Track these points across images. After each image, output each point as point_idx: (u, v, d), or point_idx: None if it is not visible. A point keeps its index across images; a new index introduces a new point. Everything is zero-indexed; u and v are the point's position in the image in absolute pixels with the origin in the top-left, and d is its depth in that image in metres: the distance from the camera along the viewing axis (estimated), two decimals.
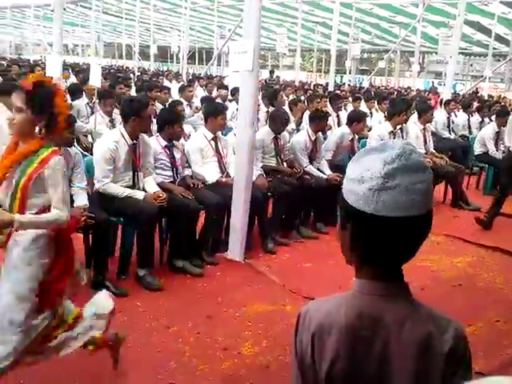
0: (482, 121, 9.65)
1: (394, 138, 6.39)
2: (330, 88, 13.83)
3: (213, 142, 4.91)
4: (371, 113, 9.74)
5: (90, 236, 3.85)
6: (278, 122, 5.40)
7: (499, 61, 24.87)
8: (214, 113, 4.92)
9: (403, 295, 1.09)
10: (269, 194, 5.04)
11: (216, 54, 17.64)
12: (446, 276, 4.43)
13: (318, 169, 5.72)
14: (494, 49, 22.32)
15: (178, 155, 4.65)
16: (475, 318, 3.63)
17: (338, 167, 5.60)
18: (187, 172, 4.78)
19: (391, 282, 1.08)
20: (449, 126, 9.44)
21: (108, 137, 4.29)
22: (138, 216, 3.94)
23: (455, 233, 5.58)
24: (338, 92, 12.29)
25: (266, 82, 19.58)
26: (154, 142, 4.52)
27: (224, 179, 4.83)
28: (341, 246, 1.12)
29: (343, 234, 1.11)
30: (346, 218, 1.09)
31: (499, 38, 22.56)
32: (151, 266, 4.06)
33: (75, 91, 7.34)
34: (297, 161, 5.62)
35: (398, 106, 6.80)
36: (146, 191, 4.15)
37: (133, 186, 4.14)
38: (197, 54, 30.18)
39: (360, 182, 1.04)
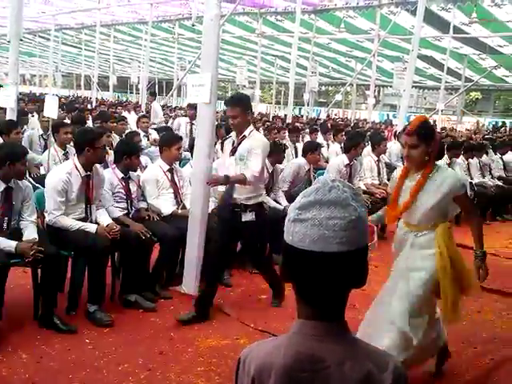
0: None
1: (351, 170, 6.52)
2: (289, 120, 14.03)
3: (169, 174, 4.91)
4: (328, 144, 9.93)
5: (39, 270, 3.75)
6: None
7: (451, 94, 25.82)
8: (168, 143, 4.93)
9: (341, 335, 1.09)
10: None
11: (176, 85, 17.74)
12: None
13: (275, 200, 5.77)
14: (447, 82, 23.17)
15: (133, 187, 4.62)
16: None
17: (295, 198, 5.65)
18: (142, 204, 4.74)
19: (328, 322, 1.08)
20: (402, 158, 9.71)
21: (60, 168, 4.24)
22: (90, 249, 3.87)
23: None
24: (296, 124, 12.49)
25: (225, 113, 19.78)
26: (111, 174, 4.48)
27: (180, 211, 4.81)
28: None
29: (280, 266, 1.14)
30: (281, 249, 1.12)
31: (451, 72, 23.47)
32: (102, 301, 3.97)
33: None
34: None
35: (355, 139, 6.96)
36: (98, 224, 4.09)
37: (85, 219, 4.08)
38: (157, 85, 30.26)
39: (288, 213, 1.09)
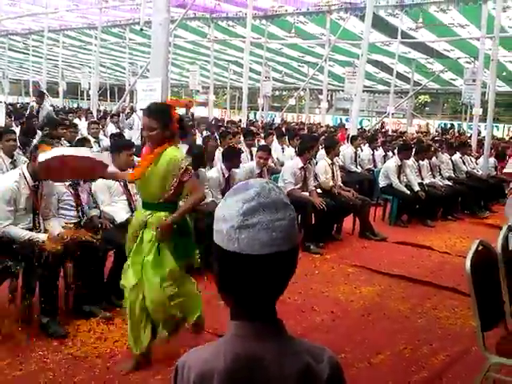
0: (386, 155, 10.18)
1: (305, 173, 6.57)
2: (243, 124, 14.04)
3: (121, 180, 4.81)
4: (283, 148, 10.00)
5: None
6: (195, 159, 5.39)
7: (401, 97, 26.47)
8: (117, 149, 4.83)
9: (277, 333, 1.10)
10: None
11: (128, 91, 17.47)
12: (356, 306, 4.53)
13: None
14: (396, 86, 23.73)
15: (83, 194, 4.50)
16: (383, 347, 3.74)
17: None
18: (94, 212, 4.62)
19: (264, 322, 1.09)
20: (356, 161, 9.88)
21: (8, 176, 4.09)
22: (40, 260, 3.73)
23: (364, 263, 5.75)
24: (251, 128, 12.52)
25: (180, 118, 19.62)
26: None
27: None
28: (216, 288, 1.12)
29: (214, 274, 1.11)
30: (214, 257, 1.10)
31: (400, 76, 24.06)
32: (56, 312, 3.84)
33: None
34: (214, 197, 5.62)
35: (308, 143, 7.01)
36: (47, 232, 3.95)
37: (33, 229, 3.94)
38: (108, 91, 29.77)
39: (224, 221, 1.06)
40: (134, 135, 9.56)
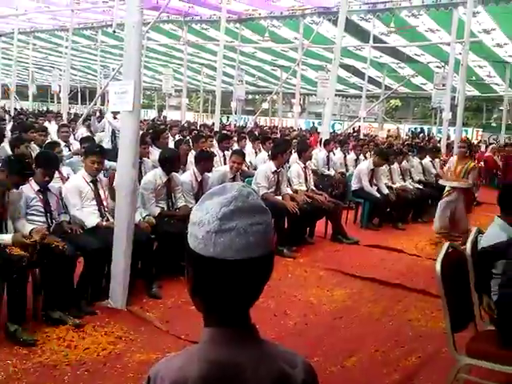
0: (357, 158, 10.27)
1: (278, 176, 6.58)
2: (216, 128, 14.01)
3: (92, 185, 4.75)
4: (256, 152, 10.00)
5: None
6: (168, 163, 5.37)
7: (373, 102, 26.76)
8: (84, 154, 4.78)
9: (252, 338, 1.09)
10: (153, 236, 4.93)
11: (99, 94, 17.26)
12: (328, 310, 4.56)
13: None
14: (368, 91, 23.96)
15: (52, 199, 4.42)
16: (356, 350, 3.76)
17: None
18: (64, 217, 4.54)
19: (239, 328, 1.08)
20: (328, 164, 9.94)
21: None
22: (6, 265, 3.65)
23: (336, 266, 5.79)
24: (224, 131, 12.50)
25: (153, 121, 19.52)
26: (26, 187, 4.26)
27: (105, 223, 4.66)
28: (189, 294, 1.10)
29: (188, 280, 1.09)
30: (188, 262, 1.08)
31: (372, 81, 24.33)
32: (24, 319, 3.76)
33: None
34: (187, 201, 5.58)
35: (281, 147, 7.02)
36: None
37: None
38: (79, 94, 29.39)
39: (200, 226, 1.04)
40: (104, 139, 9.42)
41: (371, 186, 8.10)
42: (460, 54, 13.28)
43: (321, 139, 11.76)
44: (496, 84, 25.09)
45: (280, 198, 6.51)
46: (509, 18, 15.47)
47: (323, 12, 17.64)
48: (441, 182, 7.63)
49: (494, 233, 3.57)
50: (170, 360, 1.12)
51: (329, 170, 9.89)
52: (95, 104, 17.05)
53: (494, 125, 31.06)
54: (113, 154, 6.17)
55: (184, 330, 3.86)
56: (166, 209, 5.41)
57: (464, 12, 13.55)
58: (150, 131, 9.29)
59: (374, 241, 7.05)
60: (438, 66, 21.36)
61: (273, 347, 1.11)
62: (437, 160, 10.40)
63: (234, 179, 6.13)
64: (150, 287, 4.72)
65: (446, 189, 7.27)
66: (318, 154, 10.12)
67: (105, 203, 4.77)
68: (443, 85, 16.60)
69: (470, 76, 22.03)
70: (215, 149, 8.49)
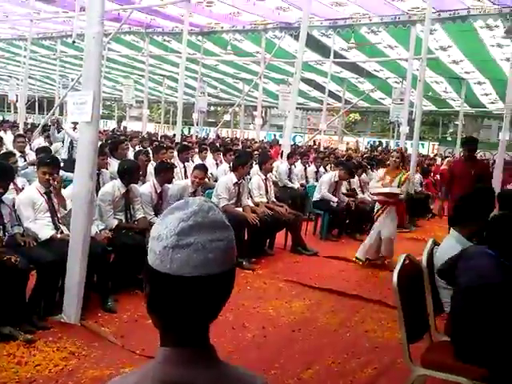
0: (317, 170, 10.37)
1: (239, 188, 6.57)
2: (177, 139, 13.92)
3: (46, 196, 4.63)
4: (217, 163, 9.98)
5: None
6: (127, 174, 5.29)
7: (333, 115, 27.17)
8: (37, 165, 4.68)
9: (210, 360, 1.05)
10: (110, 249, 4.84)
11: (58, 104, 16.97)
12: (286, 321, 4.55)
13: None
14: (328, 104, 24.30)
15: (5, 211, 4.29)
16: (313, 362, 3.76)
17: None
18: (17, 229, 4.41)
19: (196, 348, 1.04)
20: (290, 176, 10.00)
21: None
22: None
23: (295, 277, 5.81)
24: (185, 143, 12.42)
25: (113, 131, 19.29)
26: None
27: (59, 235, 4.55)
28: (146, 310, 1.07)
29: (145, 296, 1.06)
30: (145, 278, 1.05)
31: (332, 95, 24.70)
32: None
33: None
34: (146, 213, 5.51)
35: (242, 158, 7.02)
36: None
37: None
38: (37, 103, 28.80)
39: (158, 240, 1.01)
40: (62, 149, 9.24)
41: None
42: (417, 69, 13.63)
43: (282, 151, 11.86)
44: (452, 99, 25.86)
45: (241, 209, 6.51)
46: (464, 36, 16.00)
47: (285, 27, 17.85)
48: (371, 190, 7.28)
49: (449, 245, 3.63)
50: (125, 378, 1.08)
51: (291, 182, 9.95)
52: (53, 114, 16.74)
53: (449, 139, 31.98)
54: (69, 165, 6.05)
55: (139, 345, 3.79)
56: (124, 221, 5.32)
57: (422, 29, 13.91)
58: (109, 142, 9.16)
59: (332, 252, 7.12)
60: (396, 82, 21.88)
61: (232, 369, 1.07)
62: None
63: (194, 193, 6.09)
64: (105, 301, 4.61)
65: (376, 208, 6.78)
66: (280, 166, 10.18)
67: (59, 215, 4.66)
68: (401, 99, 17.00)
69: (427, 91, 22.65)
70: (176, 160, 8.43)
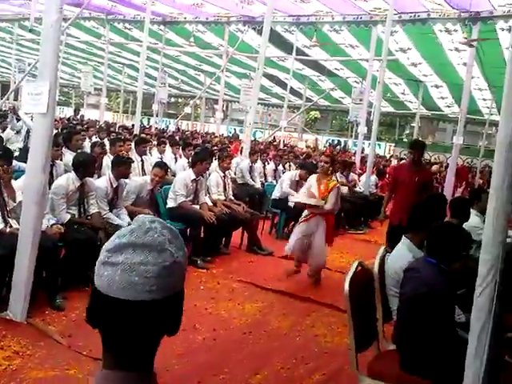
0: (276, 168, 10.38)
1: (197, 185, 6.48)
2: (136, 131, 13.68)
3: None
4: (176, 158, 9.84)
5: None
6: (82, 167, 5.16)
7: (294, 112, 27.31)
8: None
9: None
10: (60, 244, 4.72)
11: (13, 89, 16.45)
12: (238, 324, 4.53)
13: (119, 217, 5.54)
14: (289, 101, 24.43)
15: None
16: (262, 367, 3.75)
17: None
18: None
19: (134, 372, 0.99)
20: (251, 174, 9.95)
21: None
22: None
23: (249, 278, 5.79)
24: (143, 135, 12.21)
25: (68, 120, 18.81)
26: None
27: (8, 229, 4.40)
28: None
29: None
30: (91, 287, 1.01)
31: (294, 92, 24.83)
32: None
33: None
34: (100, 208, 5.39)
35: (201, 154, 6.95)
36: None
37: None
38: None
39: (102, 253, 0.98)
40: (16, 138, 8.95)
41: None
42: (377, 70, 13.82)
43: (241, 148, 11.82)
44: (409, 102, 26.38)
45: (198, 207, 6.45)
46: (424, 39, 16.34)
47: (248, 21, 17.81)
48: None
49: (400, 253, 3.70)
50: None
51: (253, 180, 9.89)
52: (7, 99, 16.22)
53: (405, 140, 32.60)
54: (24, 155, 5.86)
55: (87, 346, 3.70)
56: (77, 215, 5.19)
57: (383, 30, 14.13)
58: (64, 132, 8.91)
59: None
60: (356, 81, 22.16)
61: None
62: (352, 174, 10.76)
63: (152, 191, 6.00)
64: (53, 298, 4.48)
65: (304, 214, 5.89)
66: (241, 163, 10.11)
67: (8, 208, 4.51)
68: (360, 100, 17.26)
69: (386, 92, 23.02)
70: (133, 153, 8.27)
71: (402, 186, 6.30)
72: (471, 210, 5.24)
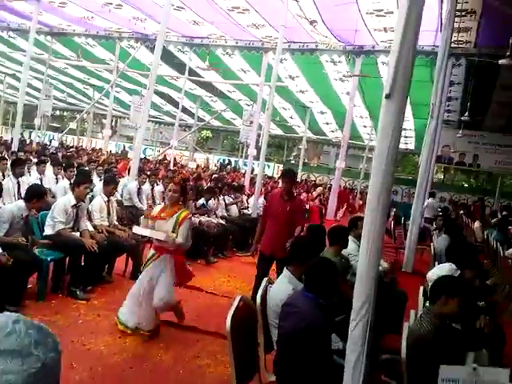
0: (165, 190, 10.14)
1: (77, 211, 6.08)
2: (14, 147, 12.82)
3: None
4: (57, 178, 9.25)
5: None
6: None
7: (185, 131, 27.30)
8: None
9: None
10: None
11: None
12: (119, 360, 4.30)
13: None
14: (182, 120, 24.40)
15: None
16: None
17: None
18: None
19: None
20: (139, 196, 9.69)
21: None
22: None
23: None
24: (21, 155, 11.43)
25: None
26: None
27: None
28: None
29: None
30: None
31: (186, 111, 24.85)
32: None
33: None
34: None
35: (80, 177, 6.55)
36: None
37: None
38: None
39: None
40: None
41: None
42: (267, 95, 14.26)
43: (129, 168, 11.52)
44: (297, 126, 27.47)
45: (78, 234, 6.10)
46: (311, 68, 17.19)
47: (141, 38, 17.65)
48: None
49: (281, 285, 3.78)
50: None
51: (141, 202, 9.62)
52: None
53: (293, 162, 33.84)
54: None
55: None
56: None
57: (273, 57, 14.65)
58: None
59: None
60: (247, 104, 22.70)
61: None
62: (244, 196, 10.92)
63: (27, 217, 5.60)
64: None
65: (150, 254, 5.05)
66: (129, 185, 9.81)
67: None
68: (251, 122, 17.67)
69: (275, 116, 23.82)
70: (9, 173, 7.73)
71: (273, 217, 6.07)
72: (349, 237, 5.51)
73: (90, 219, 6.67)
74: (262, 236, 6.20)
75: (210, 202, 9.59)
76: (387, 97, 3.11)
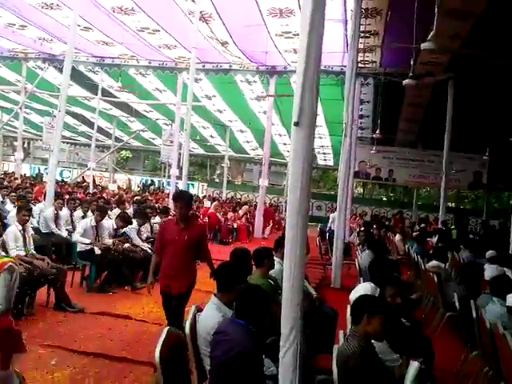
0: (85, 215, 9.80)
1: None
2: None
3: None
4: None
5: None
6: None
7: (104, 151, 26.66)
8: None
9: None
10: None
11: None
12: None
13: None
14: (98, 141, 23.80)
15: None
16: None
17: None
18: None
19: None
20: (56, 221, 9.34)
21: None
22: None
23: (58, 342, 5.31)
24: None
25: None
26: None
27: None
28: None
29: None
30: None
31: (102, 131, 24.28)
32: None
33: None
34: None
35: None
36: None
37: None
38: None
39: None
40: None
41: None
42: (185, 114, 14.28)
43: (45, 192, 11.05)
44: (218, 144, 27.55)
45: None
46: (227, 88, 17.36)
47: (48, 58, 17.16)
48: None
49: (210, 313, 3.74)
50: None
51: (59, 228, 9.28)
52: None
53: (217, 180, 33.84)
54: None
55: None
56: None
57: (188, 77, 14.69)
58: None
59: (100, 307, 6.74)
60: (166, 124, 22.53)
61: None
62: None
63: None
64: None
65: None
66: (46, 210, 9.46)
67: None
68: (171, 141, 17.55)
69: (195, 135, 23.81)
70: None
71: (169, 247, 5.21)
72: (275, 258, 5.49)
73: (5, 250, 6.34)
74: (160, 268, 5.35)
75: (142, 227, 9.37)
76: (296, 124, 3.26)
